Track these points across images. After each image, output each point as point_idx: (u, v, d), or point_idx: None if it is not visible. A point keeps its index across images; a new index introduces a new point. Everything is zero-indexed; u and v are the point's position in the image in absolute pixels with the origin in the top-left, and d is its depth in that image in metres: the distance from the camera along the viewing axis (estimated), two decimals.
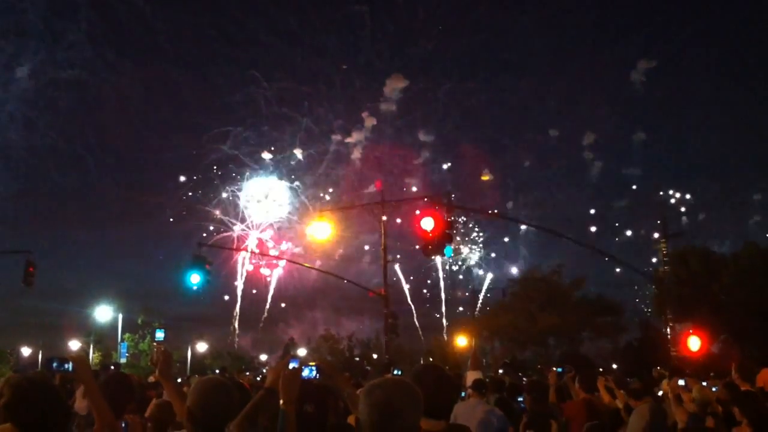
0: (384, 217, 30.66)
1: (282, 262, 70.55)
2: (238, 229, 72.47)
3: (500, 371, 27.20)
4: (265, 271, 72.66)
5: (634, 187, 75.88)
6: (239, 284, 72.86)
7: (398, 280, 69.15)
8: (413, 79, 73.82)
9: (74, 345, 49.65)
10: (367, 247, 69.11)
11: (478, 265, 76.35)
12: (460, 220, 70.11)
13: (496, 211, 68.43)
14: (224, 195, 73.05)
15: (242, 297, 73.35)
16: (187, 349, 59.35)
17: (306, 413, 4.46)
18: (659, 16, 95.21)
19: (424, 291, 75.54)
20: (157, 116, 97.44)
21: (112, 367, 17.90)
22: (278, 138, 74.82)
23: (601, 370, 37.02)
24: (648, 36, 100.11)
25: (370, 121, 74.69)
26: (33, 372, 4.13)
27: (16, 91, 71.11)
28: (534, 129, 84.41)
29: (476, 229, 75.85)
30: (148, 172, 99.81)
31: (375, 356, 54.22)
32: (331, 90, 78.05)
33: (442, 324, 68.19)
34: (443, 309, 71.66)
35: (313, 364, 4.86)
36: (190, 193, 73.30)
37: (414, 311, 70.79)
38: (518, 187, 76.68)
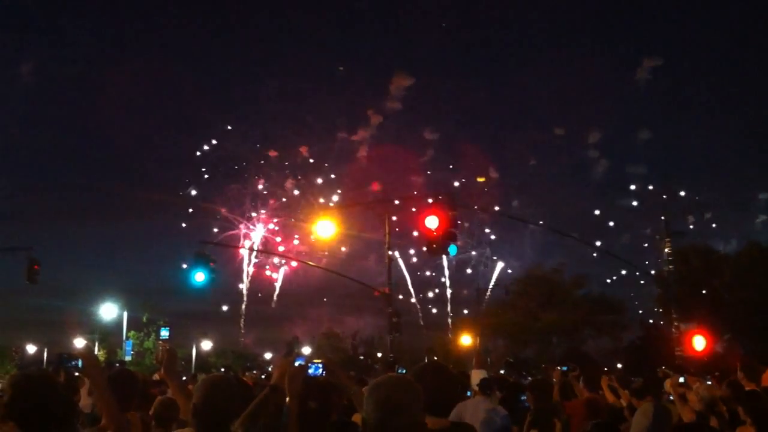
0: (394, 218, 30.69)
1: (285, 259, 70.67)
2: (243, 226, 72.58)
3: (501, 371, 27.20)
4: (270, 272, 72.77)
5: (638, 186, 75.69)
6: (244, 282, 73.01)
7: (403, 278, 69.26)
8: (418, 76, 73.73)
9: (79, 342, 49.76)
10: (372, 246, 69.13)
11: (483, 263, 76.32)
12: (464, 223, 70.24)
13: (497, 209, 68.46)
14: (229, 192, 73.13)
15: (247, 295, 73.49)
16: (192, 347, 59.51)
17: (309, 409, 4.46)
18: (665, 14, 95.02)
19: (430, 289, 75.58)
20: (162, 113, 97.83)
21: (117, 365, 17.92)
22: (283, 135, 74.88)
23: (605, 369, 37.06)
24: (654, 34, 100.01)
25: (375, 119, 74.61)
26: (34, 369, 4.13)
27: (19, 88, 71.32)
28: (539, 127, 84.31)
29: (484, 229, 75.77)
30: (152, 169, 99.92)
31: (379, 354, 54.24)
32: (336, 87, 78.14)
33: (447, 322, 68.20)
34: (448, 307, 71.74)
35: (319, 361, 4.87)
36: (194, 191, 73.38)
37: (419, 309, 70.89)
38: (523, 185, 76.51)
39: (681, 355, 21.93)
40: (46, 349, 53.00)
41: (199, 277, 25.76)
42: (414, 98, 74.24)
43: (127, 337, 46.19)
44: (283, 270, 72.14)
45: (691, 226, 62.38)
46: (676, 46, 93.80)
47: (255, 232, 72.86)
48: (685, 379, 8.78)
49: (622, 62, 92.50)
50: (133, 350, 45.08)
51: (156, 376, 14.61)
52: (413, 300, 70.94)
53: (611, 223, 74.20)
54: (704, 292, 41.00)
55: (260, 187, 73.86)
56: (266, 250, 70.68)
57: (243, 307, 72.73)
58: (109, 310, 48.54)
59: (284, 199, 73.90)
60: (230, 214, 72.29)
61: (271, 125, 75.28)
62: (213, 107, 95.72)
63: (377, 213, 32.34)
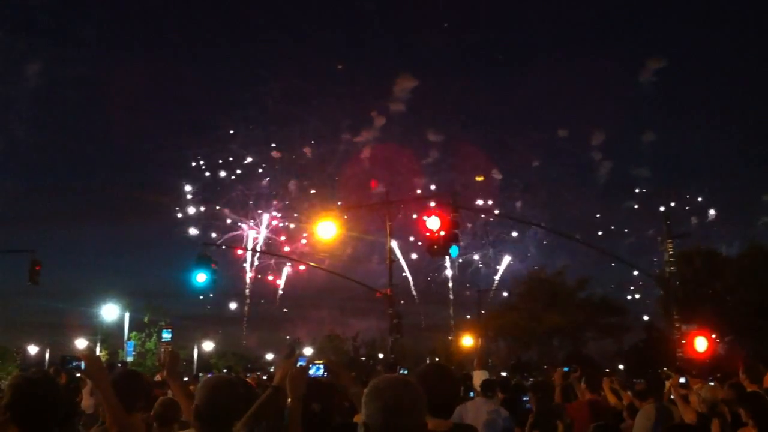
0: (391, 219, 30.70)
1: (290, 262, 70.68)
2: (246, 228, 72.58)
3: (503, 374, 27.26)
4: (272, 277, 72.79)
5: (643, 189, 75.67)
6: (247, 283, 73.06)
7: (406, 279, 69.28)
8: (422, 78, 73.76)
9: (81, 344, 49.77)
10: (375, 247, 69.11)
11: (486, 264, 76.35)
12: (468, 224, 70.28)
13: (497, 211, 68.55)
14: (232, 194, 73.15)
15: (250, 296, 73.55)
16: (193, 348, 59.49)
17: (312, 411, 4.46)
18: (669, 16, 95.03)
19: (432, 291, 75.63)
20: (165, 114, 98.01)
21: (119, 365, 17.96)
22: (286, 137, 74.91)
23: (607, 371, 37.03)
24: (657, 36, 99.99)
25: (379, 121, 74.62)
26: (34, 371, 4.13)
27: (25, 90, 71.39)
28: (542, 129, 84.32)
29: (488, 230, 75.77)
30: (155, 170, 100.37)
31: (381, 356, 54.22)
32: (340, 89, 78.04)
33: (449, 324, 68.22)
34: (450, 309, 71.77)
35: (321, 362, 4.88)
36: (197, 193, 73.40)
37: (421, 311, 70.91)
38: (527, 187, 76.52)
39: (682, 357, 21.89)
40: (48, 351, 53.03)
41: (201, 278, 25.80)
42: (417, 100, 74.41)
43: (129, 338, 46.18)
44: (285, 271, 72.25)
45: (694, 228, 62.51)
46: (680, 48, 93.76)
47: (258, 234, 72.95)
48: (686, 381, 8.78)
49: (626, 64, 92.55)
50: (134, 351, 45.06)
51: (158, 377, 14.64)
52: (417, 300, 71.10)
53: (615, 225, 74.38)
54: (707, 294, 40.94)
55: (264, 188, 73.94)
56: (269, 251, 70.77)
57: (245, 308, 72.90)
58: (110, 312, 48.54)
59: (287, 201, 73.98)
60: (234, 216, 72.39)
61: (275, 127, 75.34)
62: (217, 109, 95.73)
63: (380, 214, 32.37)
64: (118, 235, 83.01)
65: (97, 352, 47.43)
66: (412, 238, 65.68)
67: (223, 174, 73.50)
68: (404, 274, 68.82)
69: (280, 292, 73.22)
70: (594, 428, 5.99)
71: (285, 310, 74.80)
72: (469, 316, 62.72)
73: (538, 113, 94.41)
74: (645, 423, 7.78)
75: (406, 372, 14.87)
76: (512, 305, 55.19)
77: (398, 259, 47.08)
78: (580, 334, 53.50)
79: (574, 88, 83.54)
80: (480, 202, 71.05)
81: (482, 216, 71.47)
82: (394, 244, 33.80)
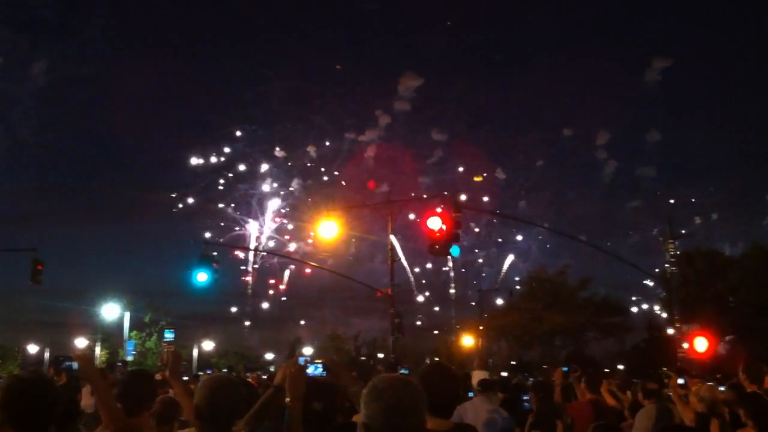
0: (393, 218, 30.72)
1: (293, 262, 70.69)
2: (249, 227, 72.59)
3: (504, 374, 27.26)
4: (275, 274, 72.81)
5: (647, 189, 75.64)
6: (249, 283, 73.07)
7: (408, 279, 69.29)
8: (427, 76, 73.71)
9: (81, 343, 49.76)
10: (378, 247, 69.06)
11: (489, 264, 76.38)
12: (471, 224, 70.41)
13: (497, 211, 68.54)
14: (235, 193, 73.14)
15: (252, 295, 73.59)
16: (193, 348, 59.50)
17: (313, 411, 4.47)
18: (673, 15, 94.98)
19: (434, 290, 75.65)
20: (170, 114, 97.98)
21: (119, 364, 17.98)
22: (290, 136, 74.85)
23: (606, 371, 37.04)
24: (662, 35, 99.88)
25: (383, 120, 74.56)
26: (29, 370, 4.14)
27: (30, 88, 71.41)
28: (547, 128, 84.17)
29: (491, 230, 75.80)
30: (157, 169, 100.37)
31: (381, 355, 54.25)
32: (344, 88, 77.97)
33: (451, 324, 68.19)
34: (452, 308, 71.76)
35: (320, 361, 4.88)
36: (200, 192, 73.39)
37: (422, 311, 70.96)
38: (530, 186, 76.51)
39: (683, 357, 21.90)
40: (48, 350, 52.98)
41: (202, 277, 25.79)
42: (420, 99, 74.36)
43: (129, 338, 46.20)
44: (288, 271, 72.26)
45: (698, 228, 62.47)
46: (683, 47, 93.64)
47: (260, 233, 72.95)
48: (685, 381, 8.77)
49: (630, 64, 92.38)
50: (134, 350, 45.07)
51: (158, 376, 14.64)
52: (421, 299, 71.09)
53: (619, 225, 74.36)
54: (708, 294, 40.94)
55: (266, 187, 73.91)
56: (272, 251, 70.76)
57: (247, 307, 72.93)
58: (111, 311, 48.55)
59: (290, 201, 73.97)
60: (236, 215, 72.41)
61: (279, 126, 75.27)
62: (220, 108, 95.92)
63: (382, 214, 32.38)
64: (120, 234, 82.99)
65: (98, 352, 47.52)
66: (414, 238, 65.69)
67: (225, 173, 73.53)
68: (407, 274, 68.85)
69: (283, 291, 73.27)
70: (594, 428, 5.99)
71: (287, 309, 74.89)
72: (470, 316, 62.79)
73: (542, 113, 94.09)
74: (645, 423, 7.78)
75: (406, 372, 14.87)
76: (514, 305, 55.14)
77: (400, 259, 47.03)
78: (582, 334, 53.48)
79: (578, 87, 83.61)
80: (485, 199, 71.13)
81: (485, 214, 71.49)
82: (396, 243, 33.79)
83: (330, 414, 4.81)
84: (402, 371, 15.41)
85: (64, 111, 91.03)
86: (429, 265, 73.04)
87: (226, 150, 73.27)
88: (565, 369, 10.51)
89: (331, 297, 69.64)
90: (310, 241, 70.48)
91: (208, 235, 66.18)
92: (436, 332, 66.34)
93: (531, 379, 22.15)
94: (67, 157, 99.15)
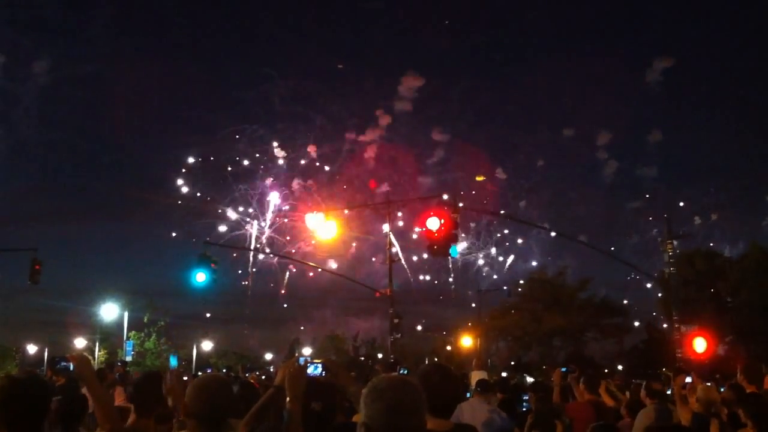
0: (392, 219, 30.78)
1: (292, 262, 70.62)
2: (249, 227, 72.53)
3: (503, 374, 27.30)
4: (275, 274, 72.77)
5: (648, 190, 75.68)
6: (249, 283, 73.03)
7: (408, 279, 69.28)
8: (428, 76, 73.70)
9: (80, 343, 49.78)
10: (379, 247, 68.96)
11: (489, 265, 76.38)
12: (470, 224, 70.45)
13: (501, 212, 68.53)
14: (236, 193, 73.03)
15: (252, 296, 73.54)
16: (193, 348, 59.52)
17: (313, 411, 4.46)
18: (674, 15, 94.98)
19: (434, 291, 75.66)
20: (171, 113, 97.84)
21: (119, 364, 17.99)
22: (291, 136, 74.73)
23: (606, 371, 37.04)
24: (663, 35, 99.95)
25: (384, 120, 74.51)
26: (25, 370, 4.14)
27: (31, 87, 71.36)
28: (548, 128, 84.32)
29: (491, 230, 75.77)
30: (158, 169, 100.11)
31: (380, 356, 54.28)
32: (346, 87, 77.87)
33: (450, 324, 68.21)
34: (452, 309, 71.79)
35: (319, 361, 4.88)
36: (200, 191, 73.30)
37: (422, 311, 70.94)
38: (531, 187, 76.54)
39: (682, 357, 21.89)
40: (47, 350, 53.01)
41: (200, 277, 25.77)
42: (422, 99, 74.37)
43: (128, 338, 46.21)
44: (287, 273, 72.24)
45: (698, 229, 62.49)
46: (685, 47, 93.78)
47: (261, 234, 72.88)
48: (692, 378, 8.75)
49: (631, 64, 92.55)
50: (133, 351, 45.09)
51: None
52: (418, 300, 71.06)
53: (620, 226, 74.40)
54: (708, 295, 40.95)
55: (267, 187, 73.81)
56: (272, 251, 70.71)
57: (247, 308, 72.90)
58: (110, 311, 48.55)
59: (290, 200, 73.90)
60: (237, 215, 72.35)
61: (280, 125, 75.21)
62: (220, 107, 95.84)
63: (382, 214, 32.44)
64: (120, 233, 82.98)
65: (96, 352, 47.51)
66: (414, 238, 65.69)
67: (226, 173, 73.41)
68: (407, 274, 68.86)
69: (283, 291, 73.24)
70: (593, 428, 5.99)
71: (286, 309, 74.85)
72: (470, 317, 62.87)
73: (543, 113, 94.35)
74: (645, 422, 7.79)
75: (406, 372, 14.87)
76: (513, 306, 55.15)
77: (400, 260, 46.98)
78: (581, 334, 53.48)
79: (579, 87, 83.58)
80: (484, 202, 71.15)
81: (485, 214, 71.54)
82: (395, 243, 33.86)
83: (329, 414, 4.80)
84: (401, 371, 15.41)
85: (64, 110, 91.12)
86: (429, 266, 73.07)
87: (227, 149, 73.27)
88: (563, 369, 10.51)
89: (332, 297, 69.69)
90: (313, 242, 70.47)
91: (207, 235, 66.08)
92: (429, 334, 66.21)
93: (530, 380, 22.19)
94: (67, 156, 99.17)
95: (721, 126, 79.74)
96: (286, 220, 72.69)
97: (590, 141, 75.17)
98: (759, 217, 72.81)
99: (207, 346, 61.82)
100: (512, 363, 52.69)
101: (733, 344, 39.80)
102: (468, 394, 9.88)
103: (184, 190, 73.06)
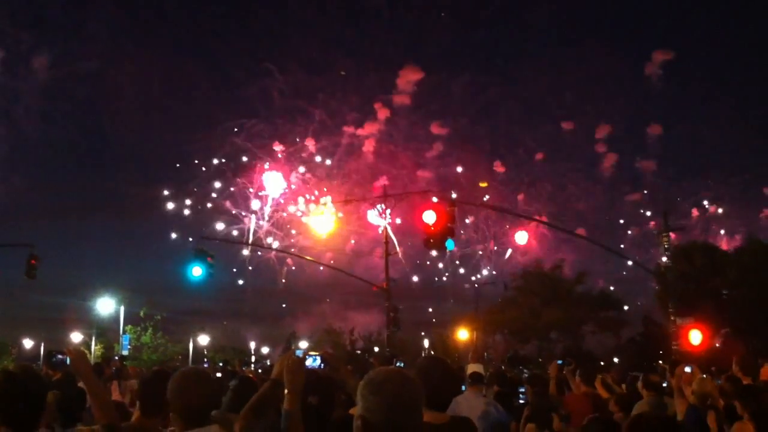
0: (390, 213, 30.80)
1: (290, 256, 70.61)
2: (248, 221, 72.41)
3: (502, 367, 27.33)
4: (273, 268, 72.75)
5: (645, 181, 75.78)
6: (247, 277, 73.03)
7: (405, 273, 69.28)
8: (428, 70, 73.56)
9: (76, 338, 49.76)
10: (379, 241, 68.85)
11: (488, 258, 76.44)
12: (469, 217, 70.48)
13: (498, 205, 68.56)
14: (235, 188, 72.86)
15: (250, 290, 73.53)
16: (189, 342, 59.50)
17: (309, 405, 4.46)
18: (675, 9, 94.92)
19: (432, 284, 75.71)
20: (171, 109, 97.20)
21: (116, 359, 18.02)
22: (291, 130, 74.45)
23: (602, 364, 37.13)
24: (664, 28, 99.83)
25: (383, 114, 74.35)
26: (20, 365, 4.14)
27: (33, 83, 71.11)
28: (547, 121, 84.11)
29: (489, 224, 75.79)
30: (156, 163, 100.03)
31: (376, 349, 54.36)
32: (345, 82, 77.54)
33: (448, 318, 68.28)
34: (450, 303, 71.87)
35: (317, 354, 4.87)
36: (198, 186, 73.15)
37: (419, 305, 70.98)
38: (530, 180, 76.53)
39: (678, 350, 21.97)
40: (43, 345, 52.95)
41: (197, 271, 25.82)
42: (422, 93, 74.19)
43: (125, 332, 46.19)
44: (285, 267, 72.22)
45: (697, 222, 62.64)
46: (690, 39, 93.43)
47: (259, 228, 72.82)
48: (692, 369, 8.74)
49: (631, 58, 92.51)
50: (130, 345, 45.08)
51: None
52: (415, 294, 71.09)
53: (619, 218, 74.58)
54: (705, 288, 41.02)
55: (265, 181, 73.63)
56: (269, 246, 70.63)
57: (244, 303, 72.90)
58: (106, 305, 48.54)
59: (289, 194, 73.77)
60: (235, 209, 72.24)
61: (278, 120, 74.94)
62: (218, 101, 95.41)
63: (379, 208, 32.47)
64: (117, 229, 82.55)
65: (93, 346, 47.52)
66: (413, 233, 65.66)
67: (224, 167, 73.27)
68: (404, 268, 68.83)
69: (280, 285, 73.23)
70: (589, 420, 6.00)
71: (284, 304, 74.88)
72: (467, 310, 62.98)
73: (543, 106, 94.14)
74: None
75: (402, 365, 14.89)
76: (510, 299, 55.23)
77: (397, 253, 47.06)
78: (578, 328, 53.58)
79: (582, 80, 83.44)
80: (483, 195, 71.13)
81: (483, 208, 71.49)
82: (393, 237, 33.89)
83: (327, 408, 4.80)
84: (398, 364, 15.43)
85: (63, 106, 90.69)
86: (427, 259, 73.11)
87: (225, 144, 73.08)
88: (560, 362, 10.52)
89: (331, 291, 69.64)
90: (299, 237, 70.51)
91: (205, 229, 65.99)
92: (423, 333, 66.26)
93: (526, 372, 22.22)
94: (65, 152, 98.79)
95: (720, 119, 79.62)
96: (284, 214, 72.63)
97: (590, 134, 75.19)
98: (759, 211, 73.00)
99: (203, 340, 61.79)
100: (508, 356, 52.73)
101: (729, 337, 39.92)
102: (463, 387, 9.89)
103: (182, 184, 73.05)
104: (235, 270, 71.89)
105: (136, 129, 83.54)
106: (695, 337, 21.16)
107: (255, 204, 71.87)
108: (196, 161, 73.08)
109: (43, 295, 49.46)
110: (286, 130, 73.96)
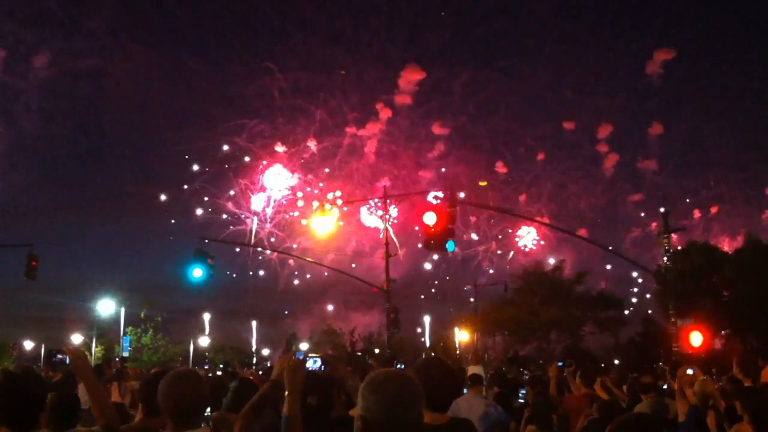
0: (390, 213, 30.81)
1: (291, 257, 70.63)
2: (249, 222, 72.40)
3: (502, 368, 27.34)
4: (275, 269, 72.79)
5: (646, 180, 75.75)
6: (249, 278, 73.07)
7: (406, 274, 69.29)
8: (429, 69, 73.53)
9: (77, 339, 49.76)
10: (379, 241, 68.77)
11: (489, 259, 76.45)
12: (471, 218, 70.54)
13: (499, 206, 68.60)
14: (236, 188, 72.84)
15: (252, 291, 73.58)
16: (189, 343, 59.53)
17: (308, 406, 4.45)
18: (677, 6, 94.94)
19: (433, 285, 75.77)
20: (172, 108, 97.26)
21: (117, 360, 18.01)
22: (292, 130, 74.41)
23: (602, 365, 37.10)
24: (665, 27, 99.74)
25: (385, 113, 74.35)
26: (20, 365, 4.14)
27: (33, 81, 71.09)
28: (548, 121, 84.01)
29: (491, 224, 75.77)
30: (159, 163, 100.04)
31: (377, 350, 54.35)
32: (346, 81, 77.43)
33: (448, 319, 68.30)
34: (450, 304, 71.87)
35: (317, 356, 4.87)
36: (200, 186, 73.12)
37: (420, 306, 70.98)
38: (531, 180, 76.54)
39: (678, 351, 21.93)
40: (43, 345, 52.96)
41: (197, 273, 25.80)
42: (423, 92, 74.19)
43: (125, 333, 46.19)
44: (287, 266, 72.25)
45: (698, 222, 62.61)
46: (690, 37, 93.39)
47: (260, 229, 72.81)
48: (694, 371, 8.72)
49: (632, 56, 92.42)
50: (130, 346, 45.09)
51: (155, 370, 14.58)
52: (416, 294, 71.13)
53: (620, 219, 74.57)
54: (705, 288, 40.98)
55: (267, 182, 73.64)
56: (271, 247, 70.61)
57: (245, 303, 72.91)
58: (106, 306, 48.54)
59: (291, 195, 73.75)
60: (236, 210, 72.22)
61: (280, 119, 74.94)
62: (219, 101, 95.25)
63: (382, 209, 32.50)
64: (117, 229, 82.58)
65: (94, 347, 47.53)
66: (415, 233, 65.66)
67: (229, 168, 73.21)
68: (406, 269, 68.85)
69: (282, 286, 73.28)
70: (590, 422, 6.00)
71: (285, 303, 74.96)
72: (468, 311, 62.97)
73: (544, 105, 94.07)
74: None
75: (403, 366, 14.90)
76: (510, 299, 55.20)
77: (398, 254, 46.95)
78: (578, 328, 53.54)
79: (583, 79, 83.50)
80: (484, 196, 71.14)
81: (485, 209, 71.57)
82: (394, 238, 33.89)
83: (326, 408, 4.79)
84: (399, 366, 15.43)
85: (63, 104, 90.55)
86: (428, 260, 73.19)
87: (229, 144, 73.01)
88: (560, 363, 10.52)
89: (332, 292, 69.71)
90: (300, 238, 70.56)
91: (206, 230, 65.98)
92: (419, 331, 66.26)
93: (526, 373, 22.22)
94: (65, 151, 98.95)
95: (721, 119, 79.49)
96: (287, 216, 72.67)
97: (591, 134, 75.17)
98: (759, 210, 72.98)
99: (204, 341, 61.82)
100: (508, 357, 52.69)
101: (729, 338, 39.88)
102: (465, 390, 9.89)
103: (184, 185, 73.02)
104: (236, 271, 72.03)
105: (137, 128, 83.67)
106: (696, 338, 21.13)
107: (256, 204, 72.05)
108: (196, 161, 73.23)
109: (43, 294, 49.54)
110: (287, 130, 74.03)
